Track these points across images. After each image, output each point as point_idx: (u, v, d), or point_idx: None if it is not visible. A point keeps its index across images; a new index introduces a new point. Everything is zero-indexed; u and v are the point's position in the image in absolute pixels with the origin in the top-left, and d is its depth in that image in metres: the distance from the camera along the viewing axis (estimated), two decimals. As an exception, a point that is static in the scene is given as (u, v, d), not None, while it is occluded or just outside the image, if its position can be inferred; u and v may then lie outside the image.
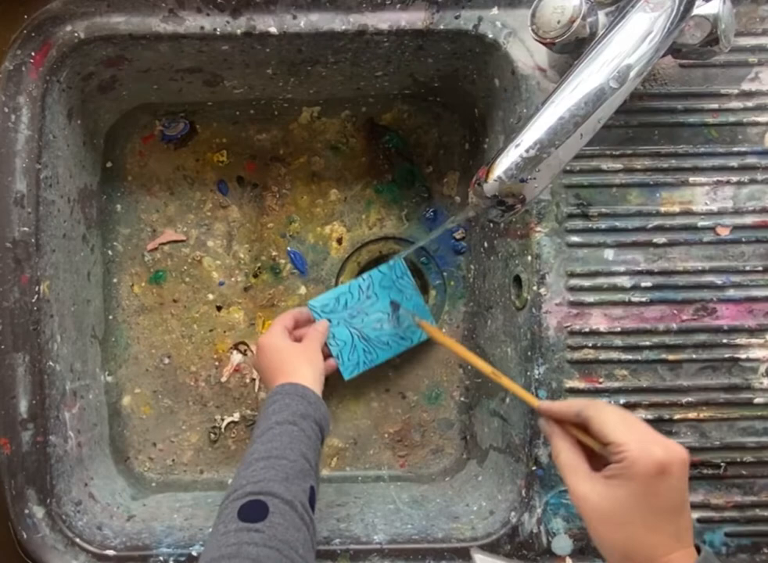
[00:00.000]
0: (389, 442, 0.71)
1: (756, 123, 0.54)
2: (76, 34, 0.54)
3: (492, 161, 0.45)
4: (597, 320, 0.54)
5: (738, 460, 0.53)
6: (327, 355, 0.65)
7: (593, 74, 0.43)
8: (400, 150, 0.71)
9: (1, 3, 0.54)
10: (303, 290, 0.71)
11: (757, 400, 0.53)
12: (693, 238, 0.54)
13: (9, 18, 0.54)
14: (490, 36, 0.55)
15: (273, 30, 0.55)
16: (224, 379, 0.70)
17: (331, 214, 0.71)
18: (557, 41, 0.47)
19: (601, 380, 0.54)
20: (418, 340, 0.67)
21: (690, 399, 0.54)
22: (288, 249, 0.70)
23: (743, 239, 0.54)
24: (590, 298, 0.54)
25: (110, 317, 0.69)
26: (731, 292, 0.54)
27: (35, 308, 0.55)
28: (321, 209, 0.71)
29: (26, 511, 0.55)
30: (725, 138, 0.54)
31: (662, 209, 0.54)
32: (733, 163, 0.54)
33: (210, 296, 0.70)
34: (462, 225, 0.70)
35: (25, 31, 0.54)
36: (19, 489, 0.54)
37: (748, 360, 0.53)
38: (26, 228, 0.54)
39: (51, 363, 0.56)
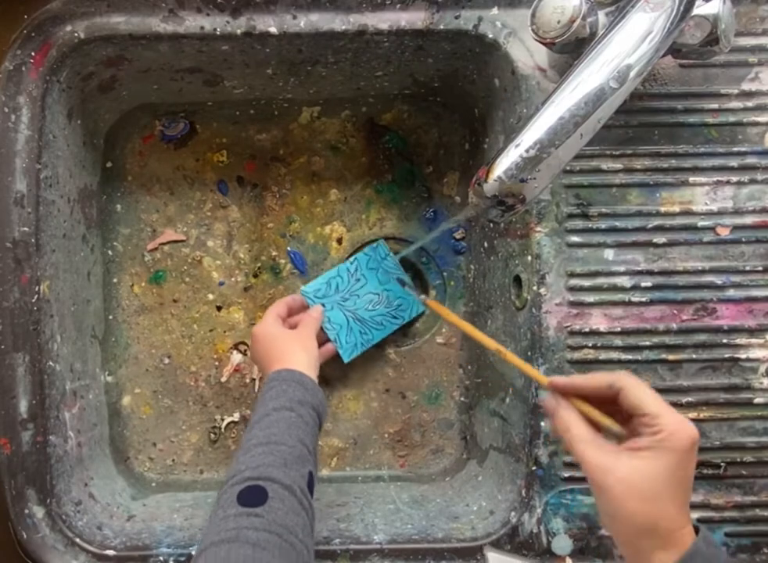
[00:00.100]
0: (389, 442, 0.71)
1: (756, 123, 0.54)
2: (76, 34, 0.54)
3: (492, 161, 0.45)
4: (597, 320, 0.54)
5: (738, 460, 0.53)
6: (324, 341, 0.65)
7: (593, 74, 0.43)
8: (400, 150, 0.71)
9: (1, 3, 0.54)
10: (303, 290, 0.71)
11: (757, 400, 0.53)
12: (693, 238, 0.54)
13: (9, 18, 0.54)
14: (490, 36, 0.55)
15: (273, 30, 0.55)
16: (224, 379, 0.70)
17: (331, 214, 0.71)
18: (557, 41, 0.47)
19: (601, 380, 0.54)
20: (410, 317, 0.68)
21: (690, 399, 0.54)
22: (288, 249, 0.70)
23: (743, 239, 0.54)
24: (590, 298, 0.54)
25: (110, 317, 0.69)
26: (731, 292, 0.54)
27: (35, 308, 0.55)
28: (321, 209, 0.71)
29: (26, 511, 0.55)
30: (725, 138, 0.54)
31: (662, 209, 0.54)
32: (733, 163, 0.54)
33: (210, 296, 0.70)
34: (462, 225, 0.70)
35: (25, 31, 0.54)
36: (19, 489, 0.54)
37: (748, 360, 0.53)
38: (26, 228, 0.54)
39: (51, 363, 0.56)
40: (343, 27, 0.55)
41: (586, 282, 0.54)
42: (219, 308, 0.70)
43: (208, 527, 0.41)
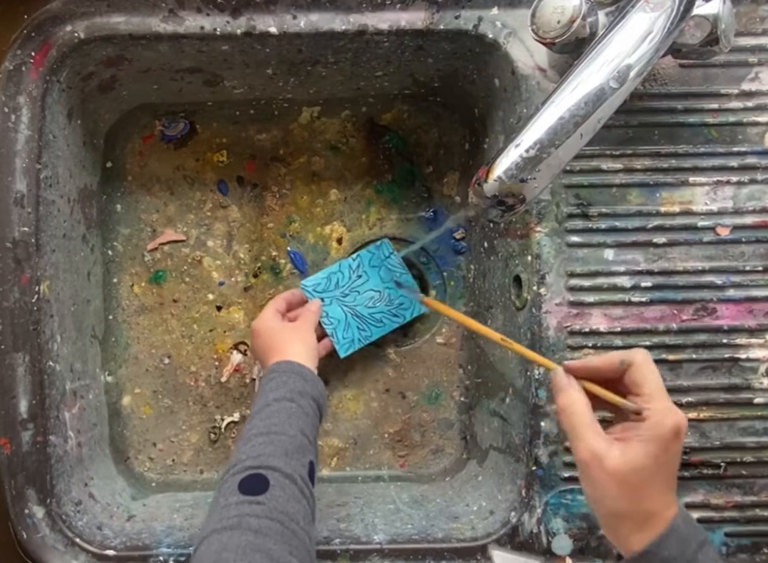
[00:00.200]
0: (389, 442, 0.71)
1: (756, 123, 0.54)
2: (76, 34, 0.54)
3: (492, 161, 0.45)
4: (597, 320, 0.54)
5: (738, 460, 0.53)
6: (323, 335, 0.65)
7: (593, 74, 0.43)
8: (400, 150, 0.71)
9: (1, 3, 0.54)
10: (303, 290, 0.71)
11: (757, 400, 0.53)
12: (693, 238, 0.54)
13: (9, 18, 0.54)
14: (490, 36, 0.55)
15: (273, 30, 0.55)
16: (224, 379, 0.70)
17: (331, 214, 0.71)
18: (557, 41, 0.47)
19: (601, 380, 0.54)
20: (411, 317, 0.68)
21: (690, 399, 0.54)
22: (288, 249, 0.70)
23: (743, 239, 0.54)
24: (590, 298, 0.54)
25: (110, 317, 0.69)
26: (731, 292, 0.54)
27: (35, 308, 0.55)
28: (321, 209, 0.71)
29: (27, 511, 0.55)
30: (725, 138, 0.54)
31: (662, 209, 0.54)
32: (733, 163, 0.54)
33: (210, 296, 0.70)
34: (462, 225, 0.70)
35: (25, 31, 0.54)
36: (19, 489, 0.54)
37: (748, 360, 0.54)
38: (26, 228, 0.54)
39: (51, 363, 0.56)
40: (343, 27, 0.55)
41: (586, 282, 0.54)
42: (219, 308, 0.70)
43: (209, 515, 0.41)
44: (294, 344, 0.56)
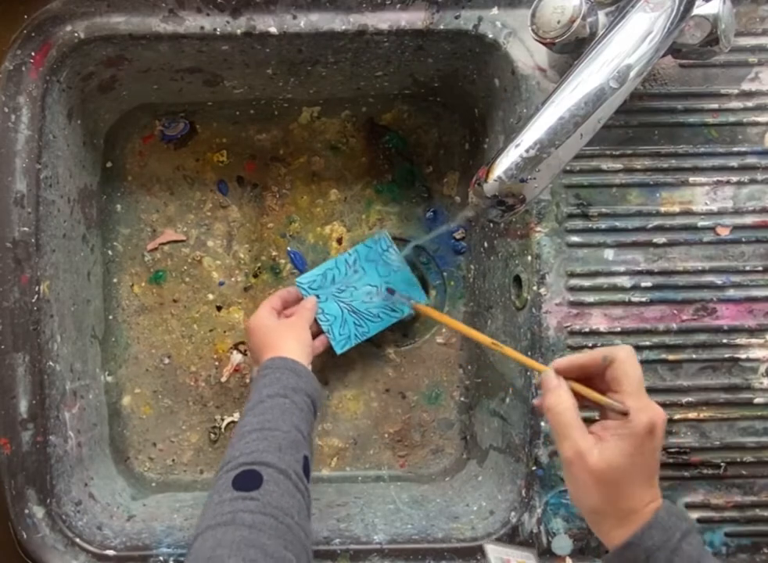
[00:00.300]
0: (389, 442, 0.71)
1: (756, 123, 0.54)
2: (76, 34, 0.54)
3: (492, 161, 0.45)
4: (597, 320, 0.54)
5: (738, 460, 0.53)
6: (319, 332, 0.65)
7: (593, 74, 0.43)
8: (400, 150, 0.71)
9: (1, 3, 0.54)
10: (303, 290, 0.71)
11: (757, 400, 0.53)
12: (693, 238, 0.54)
13: (9, 18, 0.54)
14: (490, 36, 0.55)
15: (273, 30, 0.55)
16: (224, 379, 0.70)
17: (331, 214, 0.71)
18: (557, 41, 0.47)
19: (601, 380, 0.54)
20: (409, 312, 0.67)
21: (690, 399, 0.54)
22: (288, 249, 0.70)
23: (743, 239, 0.54)
24: (590, 298, 0.54)
25: (110, 317, 0.69)
26: (731, 292, 0.54)
27: (35, 308, 0.55)
28: (321, 209, 0.71)
29: (27, 511, 0.55)
30: (725, 138, 0.54)
31: (662, 209, 0.54)
32: (733, 163, 0.54)
33: (210, 296, 0.70)
34: (462, 225, 0.70)
35: (25, 31, 0.54)
36: (19, 489, 0.54)
37: (748, 360, 0.54)
38: (26, 228, 0.54)
39: (51, 363, 0.56)
40: (343, 27, 0.55)
41: (586, 282, 0.54)
42: (219, 308, 0.70)
43: (204, 512, 0.41)
44: (288, 341, 0.56)
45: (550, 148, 0.43)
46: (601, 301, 0.54)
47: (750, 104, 0.54)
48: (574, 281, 0.54)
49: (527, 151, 0.43)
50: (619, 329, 0.54)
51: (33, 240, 0.54)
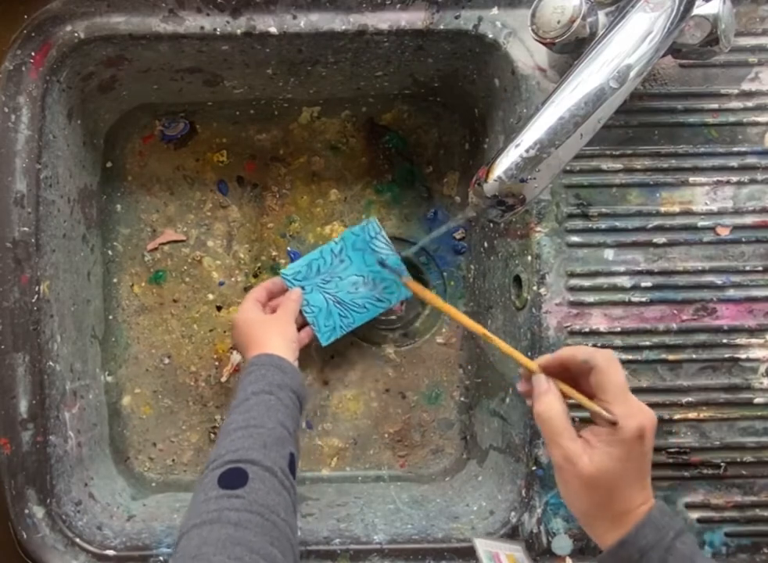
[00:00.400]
0: (389, 442, 0.71)
1: (756, 123, 0.54)
2: (76, 34, 0.54)
3: (492, 161, 0.45)
4: (597, 320, 0.54)
5: (738, 460, 0.53)
6: (305, 323, 0.65)
7: (593, 74, 0.43)
8: (400, 150, 0.71)
9: (1, 3, 0.54)
10: (303, 290, 0.71)
11: (757, 400, 0.53)
12: (693, 238, 0.54)
13: (9, 18, 0.54)
14: (490, 36, 0.55)
15: (273, 30, 0.55)
16: (224, 379, 0.70)
17: (331, 214, 0.71)
18: (557, 41, 0.47)
19: (601, 380, 0.53)
20: (396, 301, 0.67)
21: (690, 399, 0.54)
22: (288, 249, 0.70)
23: (743, 239, 0.54)
24: (590, 298, 0.54)
25: (110, 317, 0.69)
26: (731, 292, 0.54)
27: (35, 308, 0.55)
28: (321, 209, 0.71)
29: (27, 511, 0.55)
30: (725, 138, 0.54)
31: (662, 209, 0.54)
32: (733, 163, 0.54)
33: (210, 296, 0.70)
34: (462, 225, 0.70)
35: (25, 31, 0.54)
36: (19, 489, 0.54)
37: (748, 360, 0.53)
38: (26, 228, 0.54)
39: (51, 363, 0.56)
40: (343, 27, 0.55)
41: (586, 282, 0.54)
42: (219, 308, 0.70)
43: (189, 510, 0.41)
44: (273, 337, 0.56)
45: (550, 148, 0.43)
46: (601, 301, 0.54)
47: (750, 104, 0.54)
48: (574, 281, 0.54)
49: (527, 151, 0.43)
50: (619, 329, 0.54)
51: (33, 240, 0.54)
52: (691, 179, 0.54)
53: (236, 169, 0.70)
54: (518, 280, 0.58)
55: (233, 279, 0.71)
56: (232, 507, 0.39)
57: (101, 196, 0.68)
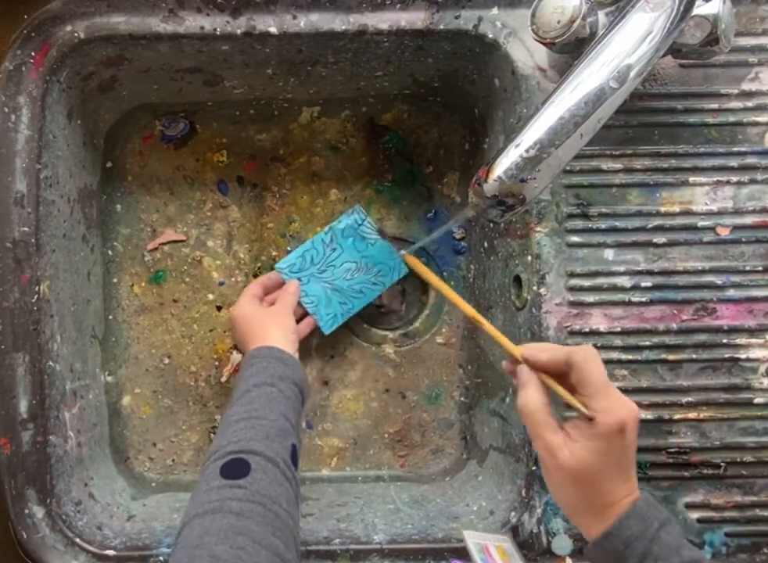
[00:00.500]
0: (389, 442, 0.71)
1: (756, 123, 0.54)
2: (76, 34, 0.54)
3: (492, 161, 0.45)
4: (597, 320, 0.54)
5: (738, 460, 0.53)
6: (303, 315, 0.65)
7: (593, 74, 0.43)
8: (400, 150, 0.71)
9: (1, 3, 0.54)
10: (303, 290, 0.71)
11: (757, 400, 0.53)
12: (693, 238, 0.54)
13: (9, 18, 0.54)
14: (490, 36, 0.55)
15: (273, 30, 0.55)
16: (224, 379, 0.70)
17: (331, 214, 0.71)
18: (557, 41, 0.47)
19: (601, 380, 0.53)
20: (390, 282, 0.67)
21: (690, 399, 0.54)
22: (288, 249, 0.70)
23: (743, 239, 0.54)
24: (590, 298, 0.54)
25: (110, 317, 0.69)
26: (731, 292, 0.54)
27: (35, 308, 0.55)
28: (321, 209, 0.71)
29: (27, 511, 0.55)
30: (725, 138, 0.54)
31: (662, 209, 0.54)
32: (733, 163, 0.54)
33: (210, 296, 0.70)
34: (462, 225, 0.70)
35: (25, 31, 0.54)
36: (19, 489, 0.54)
37: (748, 360, 0.53)
38: (26, 228, 0.54)
39: (51, 363, 0.56)
40: (343, 27, 0.55)
41: (586, 282, 0.54)
42: (219, 308, 0.70)
43: (191, 501, 0.41)
44: (272, 329, 0.56)
45: (550, 148, 0.43)
46: (601, 301, 0.54)
47: (750, 104, 0.54)
48: (574, 281, 0.54)
49: (527, 151, 0.43)
50: (619, 329, 0.54)
51: (33, 240, 0.54)
52: (691, 179, 0.54)
53: (236, 169, 0.70)
54: (518, 280, 0.58)
55: (233, 279, 0.71)
56: (234, 496, 0.40)
57: (101, 196, 0.68)
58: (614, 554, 0.38)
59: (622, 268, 0.54)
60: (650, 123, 0.54)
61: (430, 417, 0.71)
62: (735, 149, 0.54)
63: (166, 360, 0.70)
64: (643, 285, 0.54)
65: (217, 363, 0.70)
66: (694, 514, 0.53)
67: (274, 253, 0.70)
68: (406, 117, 0.71)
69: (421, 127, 0.71)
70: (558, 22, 0.47)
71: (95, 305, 0.67)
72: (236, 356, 0.70)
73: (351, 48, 0.58)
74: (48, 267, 0.56)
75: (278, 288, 0.65)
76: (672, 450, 0.53)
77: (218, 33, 0.55)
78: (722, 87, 0.54)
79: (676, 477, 0.53)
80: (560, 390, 0.42)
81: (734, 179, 0.54)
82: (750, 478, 0.54)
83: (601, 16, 0.48)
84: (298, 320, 0.63)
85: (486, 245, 0.66)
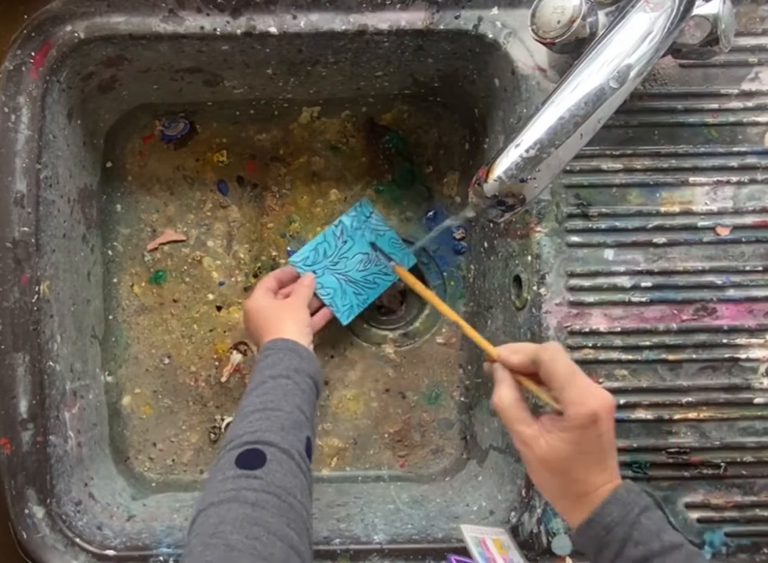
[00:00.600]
0: (389, 442, 0.71)
1: (756, 123, 0.54)
2: (76, 34, 0.54)
3: (492, 161, 0.45)
4: (597, 320, 0.54)
5: (738, 460, 0.53)
6: (319, 307, 0.65)
7: (593, 74, 0.43)
8: (400, 150, 0.71)
9: (1, 3, 0.54)
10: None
11: (757, 400, 0.53)
12: (693, 238, 0.54)
13: (9, 18, 0.54)
14: (490, 36, 0.55)
15: (273, 30, 0.55)
16: (224, 379, 0.70)
17: (331, 214, 0.71)
18: (557, 41, 0.47)
19: (600, 380, 0.54)
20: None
21: (690, 399, 0.54)
22: (289, 249, 0.70)
23: (743, 239, 0.54)
24: (590, 298, 0.54)
25: (110, 317, 0.69)
26: (731, 292, 0.54)
27: (35, 308, 0.55)
28: (321, 209, 0.71)
29: (27, 511, 0.55)
30: (725, 138, 0.54)
31: (662, 209, 0.54)
32: (733, 163, 0.54)
33: (210, 296, 0.70)
34: (462, 225, 0.70)
35: (25, 31, 0.54)
36: (19, 489, 0.54)
37: (748, 360, 0.53)
38: (26, 228, 0.54)
39: (51, 363, 0.56)
40: (343, 27, 0.55)
41: (586, 282, 0.54)
42: (219, 308, 0.70)
43: (206, 489, 0.41)
44: (286, 322, 0.56)
45: (550, 148, 0.43)
46: (601, 301, 0.54)
47: (750, 104, 0.54)
48: (574, 281, 0.54)
49: (527, 151, 0.43)
50: (619, 329, 0.54)
51: (33, 240, 0.54)
52: (691, 179, 0.54)
53: (236, 169, 0.70)
54: (518, 280, 0.58)
55: (233, 279, 0.71)
56: (250, 487, 0.40)
57: (101, 196, 0.68)
58: (596, 539, 0.39)
59: (622, 268, 0.54)
60: (650, 123, 0.54)
61: (430, 417, 0.71)
62: (735, 149, 0.54)
63: (166, 360, 0.70)
64: (643, 285, 0.54)
65: (217, 363, 0.70)
66: (694, 514, 0.53)
67: (274, 253, 0.71)
68: (406, 117, 0.71)
69: (421, 127, 0.71)
70: (558, 22, 0.47)
71: (95, 305, 0.67)
72: (236, 356, 0.70)
73: (351, 48, 0.58)
74: (48, 267, 0.56)
75: (292, 282, 0.65)
76: (672, 450, 0.53)
77: (218, 33, 0.55)
78: (722, 87, 0.54)
79: (676, 477, 0.53)
80: (532, 387, 0.43)
81: (734, 179, 0.54)
82: (750, 478, 0.54)
83: (601, 16, 0.48)
84: (312, 314, 0.63)
85: (486, 245, 0.66)
